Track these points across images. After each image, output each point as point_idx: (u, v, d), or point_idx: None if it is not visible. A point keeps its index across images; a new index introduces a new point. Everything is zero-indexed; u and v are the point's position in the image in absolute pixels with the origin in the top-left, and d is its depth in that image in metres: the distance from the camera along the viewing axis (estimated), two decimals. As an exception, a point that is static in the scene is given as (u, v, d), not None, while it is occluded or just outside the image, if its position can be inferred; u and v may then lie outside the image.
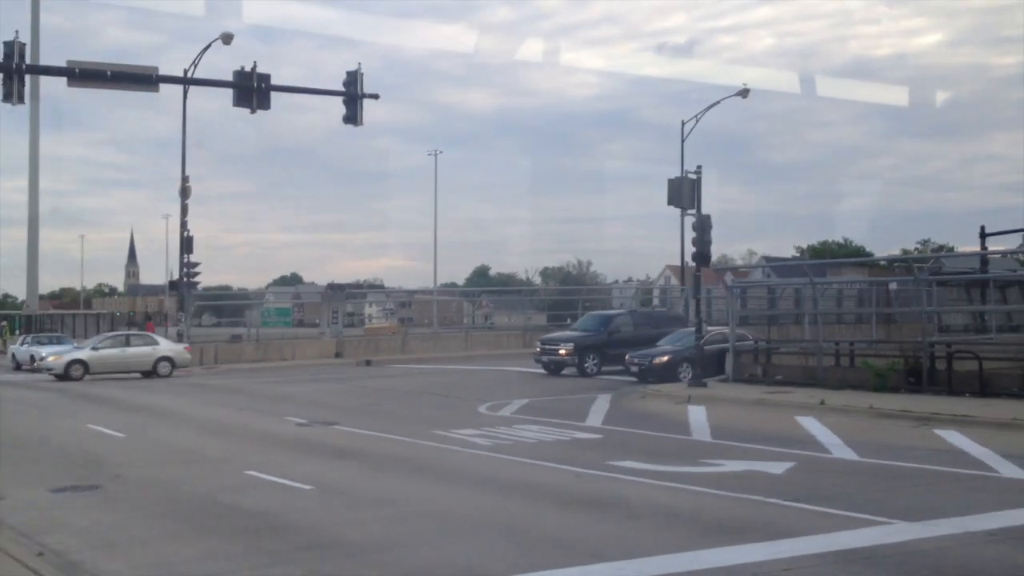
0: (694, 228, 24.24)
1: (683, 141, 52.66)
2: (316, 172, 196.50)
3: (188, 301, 39.76)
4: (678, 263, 51.30)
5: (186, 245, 38.99)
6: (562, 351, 31.57)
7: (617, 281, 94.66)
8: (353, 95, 23.17)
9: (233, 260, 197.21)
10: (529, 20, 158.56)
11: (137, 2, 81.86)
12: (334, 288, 42.85)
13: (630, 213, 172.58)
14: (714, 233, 23.99)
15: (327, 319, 43.62)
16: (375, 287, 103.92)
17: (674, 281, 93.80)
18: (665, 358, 28.56)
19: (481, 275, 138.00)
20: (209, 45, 37.58)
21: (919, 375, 22.42)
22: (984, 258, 42.03)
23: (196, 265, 39.43)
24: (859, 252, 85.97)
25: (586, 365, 31.38)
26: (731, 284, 27.01)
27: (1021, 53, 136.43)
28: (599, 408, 21.49)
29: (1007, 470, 13.04)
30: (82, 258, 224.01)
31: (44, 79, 35.31)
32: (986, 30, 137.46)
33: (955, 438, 15.98)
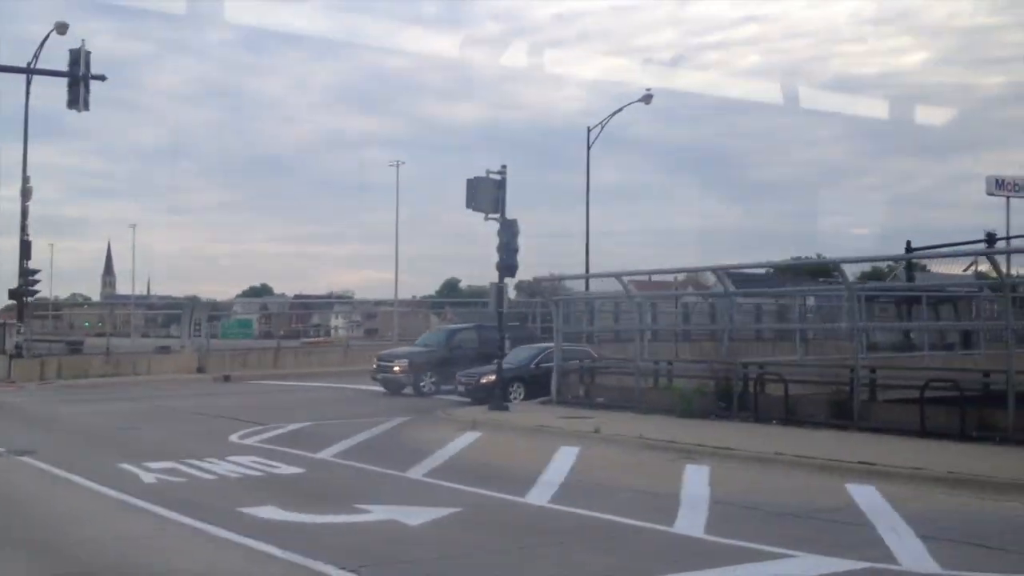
0: (499, 235, 22.00)
1: (588, 148, 50.74)
2: (301, 183, 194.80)
3: (27, 310, 37.12)
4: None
5: (25, 250, 36.42)
6: (396, 368, 29.27)
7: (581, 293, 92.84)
8: (76, 76, 20.77)
9: (217, 270, 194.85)
10: (516, 34, 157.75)
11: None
12: (194, 302, 40.15)
13: (618, 228, 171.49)
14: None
15: (188, 331, 41.03)
16: (344, 299, 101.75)
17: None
18: (492, 377, 26.26)
19: (451, 288, 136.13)
20: (47, 36, 35.04)
21: (731, 399, 20.28)
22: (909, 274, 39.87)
23: (35, 272, 36.85)
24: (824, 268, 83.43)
25: (422, 384, 29.10)
26: (555, 299, 24.66)
27: (1005, 73, 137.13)
28: (361, 436, 19.16)
29: (689, 522, 10.79)
30: (51, 267, 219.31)
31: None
32: (971, 50, 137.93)
33: (696, 475, 13.87)
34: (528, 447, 17.28)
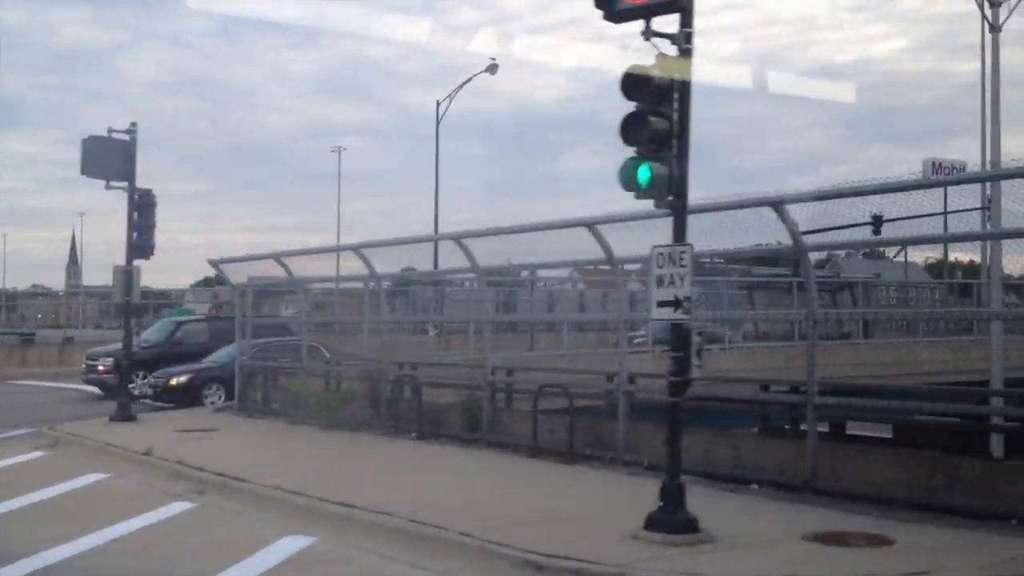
0: (129, 207, 18.22)
1: (438, 123, 47.52)
2: (278, 172, 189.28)
3: None
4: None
5: None
6: (100, 367, 25.38)
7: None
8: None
9: (192, 260, 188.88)
10: (495, 22, 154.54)
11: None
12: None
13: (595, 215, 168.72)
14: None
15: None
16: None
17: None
18: (183, 378, 22.61)
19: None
20: None
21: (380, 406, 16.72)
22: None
23: None
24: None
25: (132, 385, 25.12)
26: (237, 284, 20.90)
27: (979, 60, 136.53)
28: None
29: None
30: (3, 257, 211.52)
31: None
32: (948, 37, 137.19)
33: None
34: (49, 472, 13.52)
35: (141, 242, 18.40)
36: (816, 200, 10.02)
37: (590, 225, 12.06)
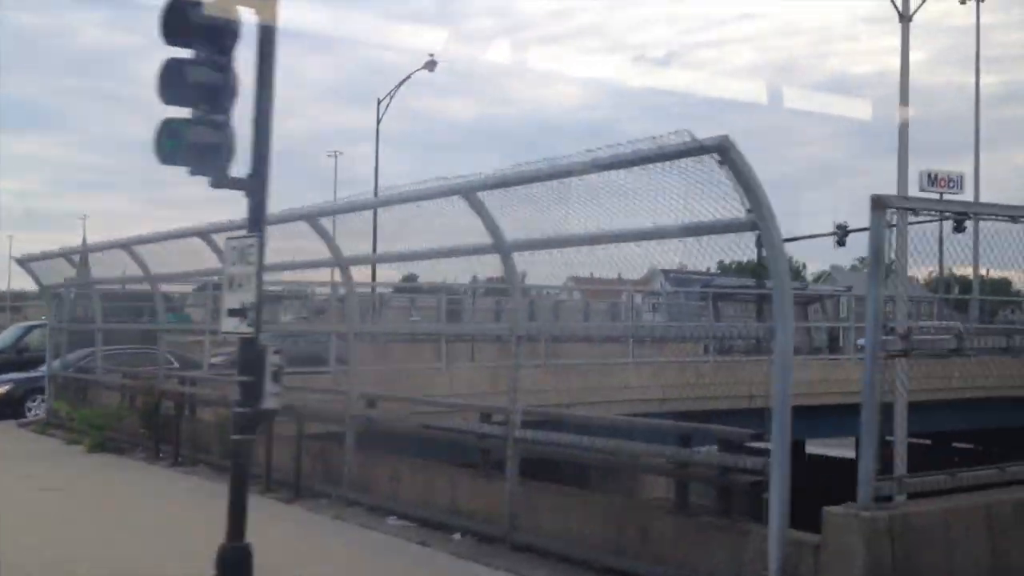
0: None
1: (378, 121, 45.76)
2: (297, 178, 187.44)
3: None
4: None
5: None
6: (-72, 375, 23.36)
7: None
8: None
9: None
10: (511, 30, 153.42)
11: None
12: None
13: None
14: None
15: None
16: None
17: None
18: (3, 388, 20.70)
19: (409, 281, 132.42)
20: None
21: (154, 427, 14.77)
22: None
23: None
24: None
25: (-33, 397, 23.22)
26: (47, 286, 18.94)
27: (998, 73, 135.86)
28: None
29: None
30: (9, 258, 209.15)
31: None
32: (965, 49, 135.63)
33: None
34: None
35: None
36: (499, 187, 8.04)
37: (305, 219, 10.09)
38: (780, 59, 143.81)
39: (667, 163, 6.59)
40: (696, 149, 6.36)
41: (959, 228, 10.31)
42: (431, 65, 43.48)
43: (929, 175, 52.74)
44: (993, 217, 6.80)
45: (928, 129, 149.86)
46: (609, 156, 6.80)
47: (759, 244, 6.72)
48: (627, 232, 7.27)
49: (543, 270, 8.57)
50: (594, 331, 20.31)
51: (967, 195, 44.73)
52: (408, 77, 44.96)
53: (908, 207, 6.46)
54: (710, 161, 6.37)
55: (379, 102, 46.12)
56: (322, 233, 10.11)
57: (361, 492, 10.28)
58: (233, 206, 9.36)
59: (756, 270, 44.50)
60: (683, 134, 6.32)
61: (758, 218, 6.35)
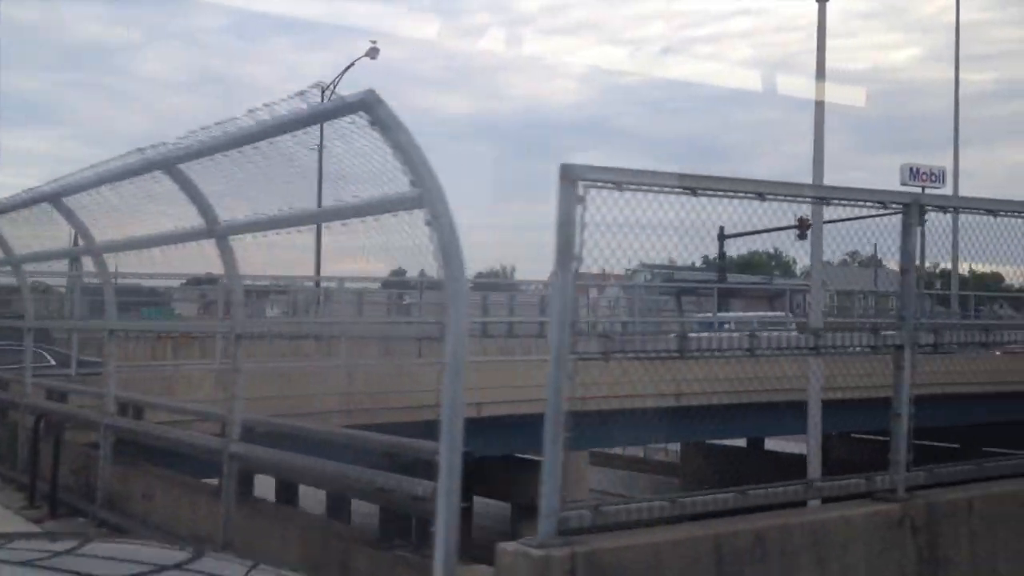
0: None
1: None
2: (289, 173, 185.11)
3: None
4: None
5: None
6: None
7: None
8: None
9: (199, 259, 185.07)
10: (508, 25, 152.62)
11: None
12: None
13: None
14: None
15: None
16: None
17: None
18: None
19: (398, 276, 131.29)
20: None
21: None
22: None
23: None
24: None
25: None
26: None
27: (992, 70, 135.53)
28: None
29: None
30: None
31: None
32: (961, 46, 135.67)
33: None
34: None
35: None
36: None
37: None
38: (776, 55, 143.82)
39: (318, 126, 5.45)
40: (343, 108, 5.21)
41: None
42: (373, 52, 42.37)
43: (911, 169, 51.99)
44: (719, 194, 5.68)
45: (924, 125, 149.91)
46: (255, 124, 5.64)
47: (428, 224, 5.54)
48: (291, 216, 6.12)
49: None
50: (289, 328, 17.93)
51: (947, 190, 43.79)
52: (351, 65, 43.78)
53: (609, 180, 5.31)
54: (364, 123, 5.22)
55: (323, 91, 44.83)
56: (67, 215, 8.90)
57: (112, 511, 9.11)
58: None
59: (721, 265, 43.78)
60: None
61: (424, 192, 5.20)
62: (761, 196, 5.95)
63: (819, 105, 20.53)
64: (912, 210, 6.72)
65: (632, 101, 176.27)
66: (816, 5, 19.49)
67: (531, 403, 8.32)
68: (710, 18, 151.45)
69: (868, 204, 6.82)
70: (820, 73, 20.94)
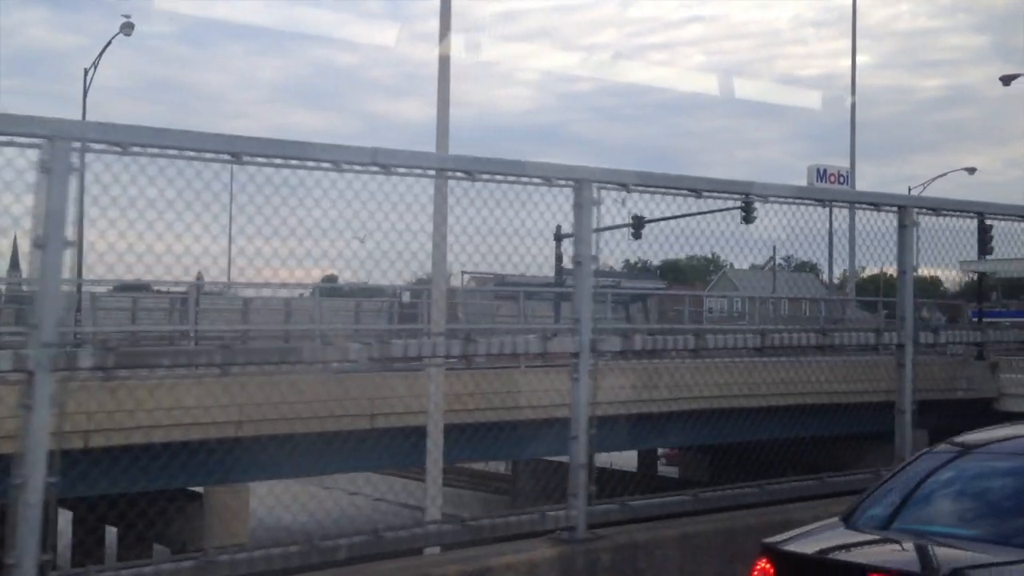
0: None
1: (85, 94, 41.13)
2: (241, 181, 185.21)
3: None
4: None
5: None
6: None
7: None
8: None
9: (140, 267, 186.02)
10: (460, 31, 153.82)
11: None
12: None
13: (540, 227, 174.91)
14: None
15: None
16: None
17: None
18: None
19: (330, 282, 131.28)
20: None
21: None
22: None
23: None
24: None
25: None
26: None
27: (944, 76, 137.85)
28: None
29: None
30: None
31: None
32: (910, 54, 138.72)
33: None
34: None
35: None
36: None
37: None
38: (728, 62, 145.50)
39: None
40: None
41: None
42: (128, 28, 40.10)
43: (818, 170, 52.61)
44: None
45: (877, 130, 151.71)
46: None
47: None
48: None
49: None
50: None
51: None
52: (109, 43, 39.35)
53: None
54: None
55: (85, 72, 40.92)
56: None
57: None
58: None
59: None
60: None
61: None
62: (697, 193, 6.11)
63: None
64: (907, 212, 6.77)
65: (586, 108, 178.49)
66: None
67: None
68: (662, 26, 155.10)
69: (865, 206, 6.91)
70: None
